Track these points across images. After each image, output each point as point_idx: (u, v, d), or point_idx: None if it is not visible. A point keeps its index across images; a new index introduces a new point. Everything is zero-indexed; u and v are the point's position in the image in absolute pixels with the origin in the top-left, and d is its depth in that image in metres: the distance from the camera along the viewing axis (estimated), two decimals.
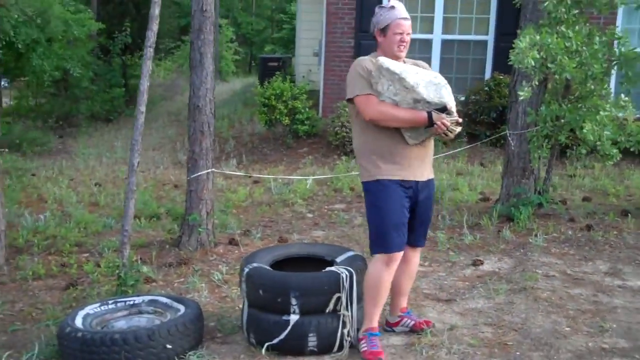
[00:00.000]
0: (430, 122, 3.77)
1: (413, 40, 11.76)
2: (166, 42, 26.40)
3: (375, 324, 3.96)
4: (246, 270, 4.00)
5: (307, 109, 11.80)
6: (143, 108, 4.65)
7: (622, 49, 6.33)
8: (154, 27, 4.57)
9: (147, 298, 4.24)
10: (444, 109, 3.79)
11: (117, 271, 4.78)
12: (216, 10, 5.49)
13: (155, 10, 4.57)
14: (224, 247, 6.17)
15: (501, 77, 11.10)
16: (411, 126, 3.81)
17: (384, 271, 3.90)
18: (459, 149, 9.99)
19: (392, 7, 3.90)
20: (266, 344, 3.90)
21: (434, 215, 7.18)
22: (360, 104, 3.84)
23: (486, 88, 11.21)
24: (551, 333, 4.30)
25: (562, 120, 6.51)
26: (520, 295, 4.98)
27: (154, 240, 6.38)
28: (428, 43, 12.05)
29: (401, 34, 3.88)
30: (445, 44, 12.12)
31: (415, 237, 4.08)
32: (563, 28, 6.09)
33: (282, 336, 3.86)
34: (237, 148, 11.92)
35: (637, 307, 4.76)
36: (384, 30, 3.90)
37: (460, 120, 3.89)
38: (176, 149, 12.63)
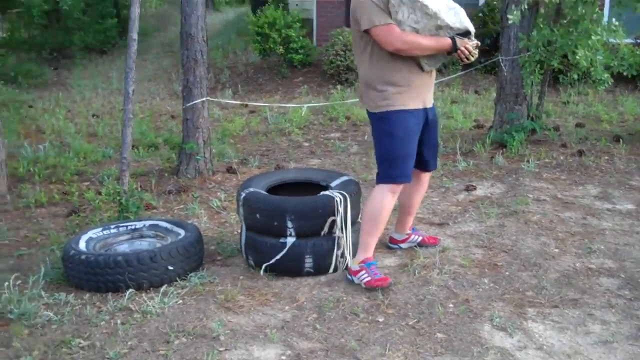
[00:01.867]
0: (454, 48, 3.78)
1: None
2: None
3: (371, 253, 4.01)
4: (243, 194, 4.10)
5: (301, 38, 11.74)
6: (135, 35, 4.67)
7: None
8: None
9: (148, 223, 4.36)
10: (466, 34, 3.81)
11: (118, 198, 4.88)
12: None
13: None
14: (222, 175, 6.28)
15: (494, 2, 11.03)
16: (435, 53, 3.81)
17: (389, 199, 3.95)
18: (454, 76, 10.01)
19: None
20: (264, 265, 4.04)
21: None
22: (381, 34, 3.70)
23: (480, 14, 11.16)
24: (540, 254, 4.45)
25: (554, 45, 6.53)
26: (511, 218, 5.11)
27: (153, 169, 6.48)
28: None
29: None
30: None
31: (427, 160, 4.17)
32: None
33: (278, 257, 4.00)
34: (232, 78, 11.92)
35: (624, 230, 4.89)
36: None
37: (479, 43, 3.92)
38: (172, 79, 12.62)
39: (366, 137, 7.68)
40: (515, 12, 6.14)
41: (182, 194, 5.69)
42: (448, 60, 3.96)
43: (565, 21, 6.71)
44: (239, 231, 4.39)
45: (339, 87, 10.72)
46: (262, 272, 4.05)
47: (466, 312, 3.64)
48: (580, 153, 6.79)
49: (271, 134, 8.09)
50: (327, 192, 4.10)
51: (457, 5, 3.83)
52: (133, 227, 4.32)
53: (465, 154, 6.87)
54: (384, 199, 3.94)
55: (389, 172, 3.92)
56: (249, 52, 13.21)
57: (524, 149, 6.87)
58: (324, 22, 12.11)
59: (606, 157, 6.71)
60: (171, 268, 3.86)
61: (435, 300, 3.78)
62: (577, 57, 6.16)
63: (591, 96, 9.94)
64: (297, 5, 15.08)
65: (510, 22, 6.25)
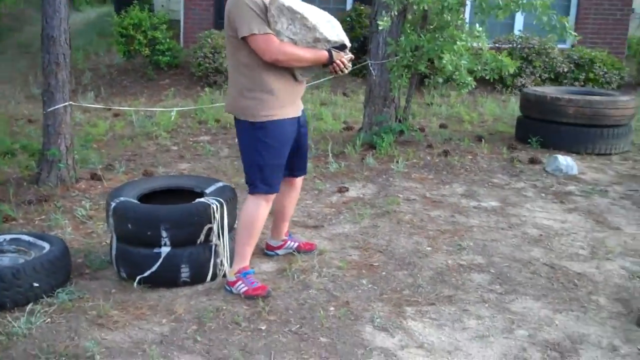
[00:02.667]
0: (330, 61, 3.76)
1: None
2: None
3: (247, 262, 3.94)
4: (113, 204, 3.90)
5: (167, 40, 11.45)
6: None
7: None
8: None
9: (8, 237, 4.06)
10: (342, 47, 3.80)
11: None
12: None
13: None
14: (86, 183, 5.98)
15: (362, 7, 11.23)
16: (311, 65, 3.78)
17: (263, 208, 3.88)
18: (322, 80, 10.08)
19: None
20: (138, 277, 3.87)
21: None
22: (259, 44, 3.60)
23: (348, 18, 11.31)
24: (414, 253, 4.54)
25: (422, 50, 6.71)
26: (383, 218, 5.19)
27: (10, 178, 6.07)
28: None
29: None
30: None
31: (298, 167, 4.16)
32: None
33: (154, 268, 3.84)
34: (94, 80, 11.42)
35: (491, 226, 5.10)
36: None
37: (353, 57, 3.92)
38: (29, 82, 11.92)
39: (237, 140, 7.57)
40: (385, 19, 6.25)
41: (43, 204, 5.36)
42: (322, 71, 3.95)
43: (431, 27, 6.91)
44: (109, 242, 4.18)
45: (207, 89, 10.54)
46: (135, 284, 3.88)
47: (347, 315, 3.65)
48: (446, 153, 7.02)
49: (137, 138, 7.81)
50: (202, 199, 3.99)
51: (333, 18, 3.84)
52: None
53: (336, 155, 6.92)
54: (258, 208, 3.87)
55: (262, 182, 3.85)
56: (112, 54, 12.73)
57: (393, 150, 7.02)
58: (192, 24, 11.88)
59: (470, 157, 6.97)
60: (37, 285, 3.62)
61: (316, 304, 3.77)
62: (443, 61, 6.35)
63: (453, 98, 10.32)
64: (162, 6, 14.69)
65: (380, 28, 6.36)
